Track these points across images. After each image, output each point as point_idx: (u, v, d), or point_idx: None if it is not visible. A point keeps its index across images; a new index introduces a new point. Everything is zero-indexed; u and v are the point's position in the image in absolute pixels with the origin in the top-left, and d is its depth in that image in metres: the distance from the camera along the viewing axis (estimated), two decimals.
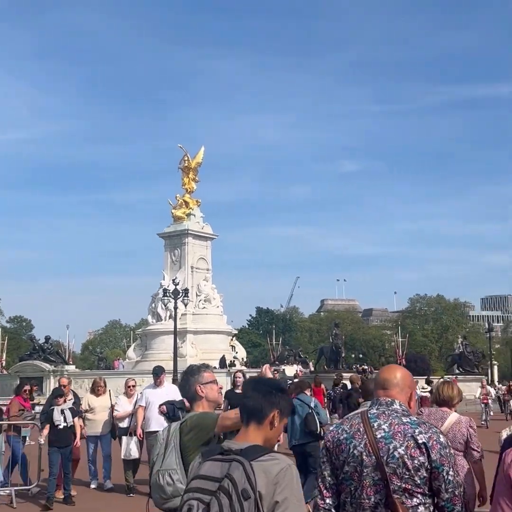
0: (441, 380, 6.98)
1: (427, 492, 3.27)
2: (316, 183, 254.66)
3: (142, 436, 11.80)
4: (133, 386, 12.85)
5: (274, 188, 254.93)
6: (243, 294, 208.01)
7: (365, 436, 3.32)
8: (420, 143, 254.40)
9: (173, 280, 40.83)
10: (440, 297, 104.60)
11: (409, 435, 3.26)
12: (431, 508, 3.30)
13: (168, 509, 4.27)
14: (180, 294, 38.96)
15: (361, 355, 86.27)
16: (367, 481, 3.27)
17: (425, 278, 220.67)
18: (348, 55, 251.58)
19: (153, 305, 47.87)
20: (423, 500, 3.26)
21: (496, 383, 47.38)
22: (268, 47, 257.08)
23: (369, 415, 3.42)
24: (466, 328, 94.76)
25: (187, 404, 5.27)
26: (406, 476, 3.22)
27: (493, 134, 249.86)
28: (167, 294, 40.42)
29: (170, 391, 11.25)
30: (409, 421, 3.35)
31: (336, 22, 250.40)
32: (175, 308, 38.96)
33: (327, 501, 3.40)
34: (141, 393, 12.11)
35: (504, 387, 38.10)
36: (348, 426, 3.45)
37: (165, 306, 45.37)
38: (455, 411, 6.31)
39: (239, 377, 12.64)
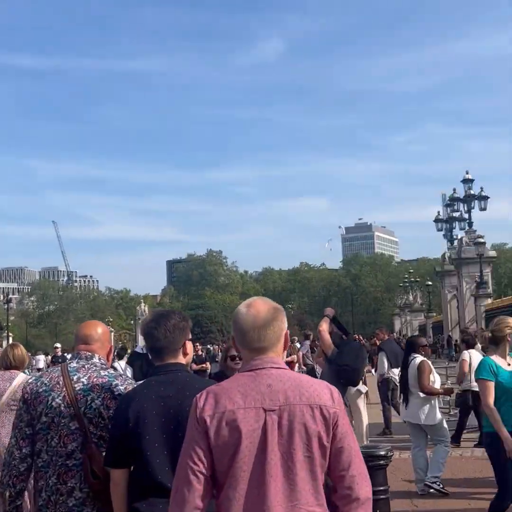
0: (8, 344, 7.15)
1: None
2: None
3: None
4: None
5: None
6: None
7: (64, 389, 3.48)
8: None
9: None
10: None
11: (107, 387, 3.49)
12: None
13: None
14: None
15: None
16: (64, 430, 3.44)
17: None
18: None
19: None
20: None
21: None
22: None
23: (69, 369, 3.57)
24: None
25: None
26: (102, 425, 3.45)
27: (24, 106, 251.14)
28: None
29: None
30: (107, 374, 3.57)
31: None
32: None
33: (24, 450, 3.51)
34: None
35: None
36: (47, 379, 3.58)
37: None
38: (23, 372, 6.18)
39: None
